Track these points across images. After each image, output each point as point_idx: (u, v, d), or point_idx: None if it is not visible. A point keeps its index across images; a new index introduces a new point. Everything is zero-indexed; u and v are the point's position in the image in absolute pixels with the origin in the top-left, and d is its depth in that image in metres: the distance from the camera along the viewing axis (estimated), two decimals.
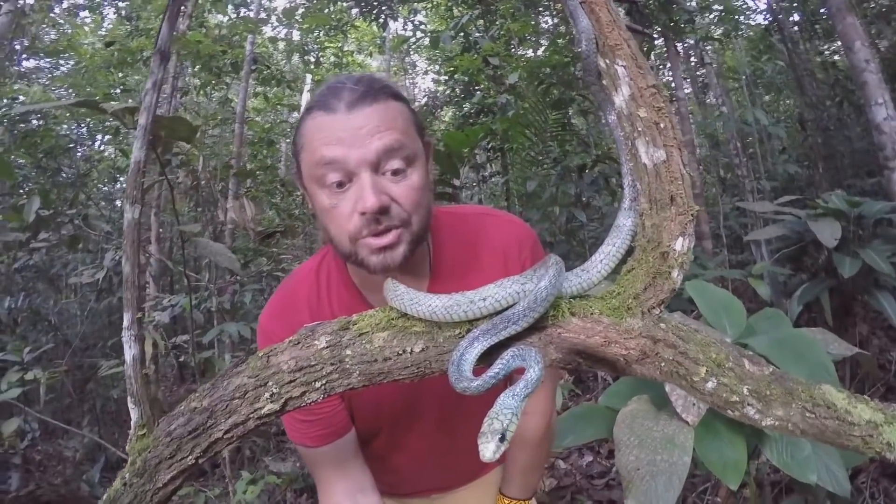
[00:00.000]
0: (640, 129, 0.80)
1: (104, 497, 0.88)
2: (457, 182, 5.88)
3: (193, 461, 0.86)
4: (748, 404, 0.76)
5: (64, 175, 7.30)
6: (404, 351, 0.84)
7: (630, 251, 0.85)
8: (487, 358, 0.79)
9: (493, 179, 8.20)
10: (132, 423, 0.97)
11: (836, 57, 7.39)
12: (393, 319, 0.87)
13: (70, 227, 3.71)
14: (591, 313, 0.80)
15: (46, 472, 5.06)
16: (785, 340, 1.70)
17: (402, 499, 1.56)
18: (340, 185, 1.00)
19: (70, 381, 5.22)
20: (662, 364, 0.78)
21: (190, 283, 3.28)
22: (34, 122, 6.58)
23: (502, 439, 0.68)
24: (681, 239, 0.78)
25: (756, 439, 1.60)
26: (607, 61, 0.83)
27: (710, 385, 0.77)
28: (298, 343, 0.88)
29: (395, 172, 1.01)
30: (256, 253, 5.06)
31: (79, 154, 8.98)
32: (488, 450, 0.68)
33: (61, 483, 4.31)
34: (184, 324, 4.47)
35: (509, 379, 0.85)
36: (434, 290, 1.17)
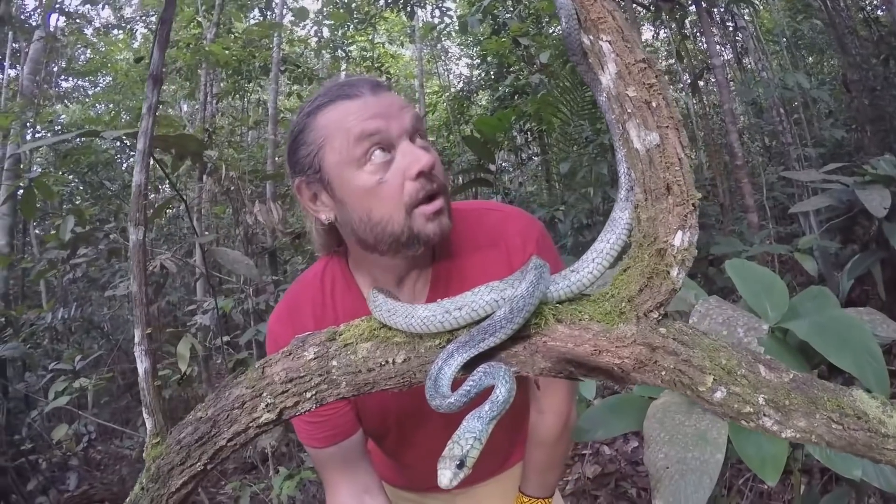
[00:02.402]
0: (629, 110, 0.72)
1: (126, 500, 0.94)
2: (492, 167, 5.81)
3: (202, 467, 0.90)
4: (764, 415, 0.68)
5: (107, 188, 7.54)
6: (387, 362, 0.82)
7: (628, 247, 0.77)
8: (472, 368, 0.74)
9: (531, 161, 8.10)
10: (147, 431, 1.01)
11: (880, 12, 6.94)
12: (375, 330, 0.84)
13: (107, 240, 3.83)
14: (580, 319, 0.73)
15: (106, 471, 5.27)
16: (828, 324, 1.58)
17: (422, 493, 1.57)
18: (383, 151, 1.00)
19: (124, 385, 5.42)
20: (663, 373, 0.70)
21: (216, 288, 3.32)
22: (77, 140, 6.83)
23: (461, 466, 0.64)
24: (680, 233, 0.70)
25: None
26: (591, 37, 0.74)
27: (718, 395, 0.69)
28: (290, 354, 0.89)
29: (424, 140, 1.06)
30: (295, 251, 5.13)
31: (123, 166, 9.27)
32: (445, 477, 0.64)
33: (117, 481, 4.48)
34: (228, 325, 4.58)
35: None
36: (437, 287, 1.18)
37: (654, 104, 0.71)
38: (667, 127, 0.71)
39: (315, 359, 0.85)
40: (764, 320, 1.78)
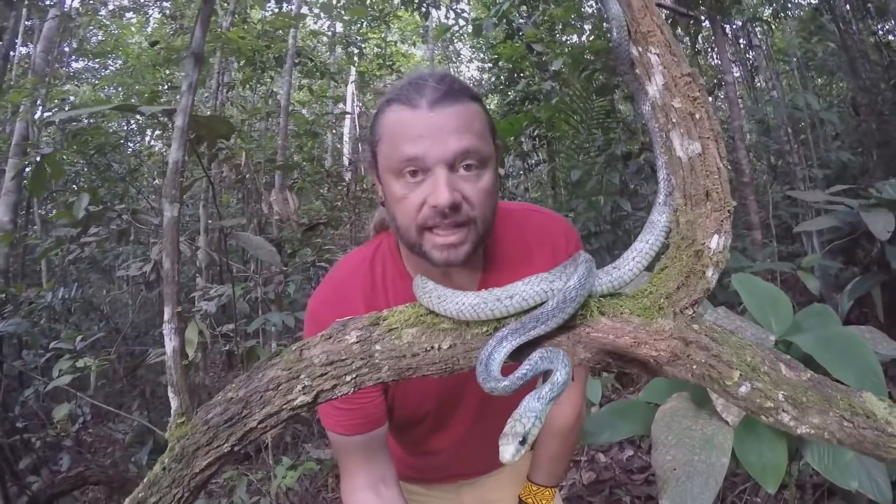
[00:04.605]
0: (674, 120, 0.77)
1: (145, 480, 0.92)
2: (501, 171, 5.85)
3: (229, 449, 0.90)
4: (783, 410, 0.73)
5: (114, 170, 7.55)
6: (432, 347, 0.84)
7: (665, 248, 0.82)
8: (517, 356, 0.78)
9: (538, 168, 8.14)
10: (172, 411, 1.01)
11: (891, 37, 7.00)
12: (422, 316, 0.87)
13: (119, 221, 3.83)
14: (622, 313, 0.77)
15: (97, 453, 5.28)
16: (831, 339, 1.63)
17: (429, 485, 1.59)
18: (414, 174, 1.03)
19: (121, 368, 5.43)
20: (694, 367, 0.75)
21: (233, 274, 3.35)
22: (84, 120, 6.82)
23: (523, 442, 0.68)
24: (716, 237, 0.75)
25: (797, 441, 1.55)
26: (640, 49, 0.79)
27: (743, 389, 0.74)
28: (330, 337, 0.90)
29: (468, 168, 1.04)
30: (302, 243, 5.15)
31: (129, 150, 9.29)
32: (508, 452, 0.68)
33: (110, 464, 4.48)
34: (231, 313, 4.60)
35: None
36: (488, 281, 1.22)
37: (697, 116, 0.75)
38: (708, 138, 0.76)
39: (358, 342, 0.87)
40: (770, 333, 1.83)
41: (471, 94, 1.09)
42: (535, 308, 0.78)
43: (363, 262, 1.26)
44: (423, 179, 1.02)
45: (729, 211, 0.75)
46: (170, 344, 1.37)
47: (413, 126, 1.02)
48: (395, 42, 12.31)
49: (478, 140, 1.04)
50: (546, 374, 0.75)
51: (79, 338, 4.22)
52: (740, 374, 0.74)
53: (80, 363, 3.65)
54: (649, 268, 0.84)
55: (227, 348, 4.98)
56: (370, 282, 1.23)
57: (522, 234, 1.26)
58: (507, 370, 0.76)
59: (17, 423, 4.21)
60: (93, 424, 5.31)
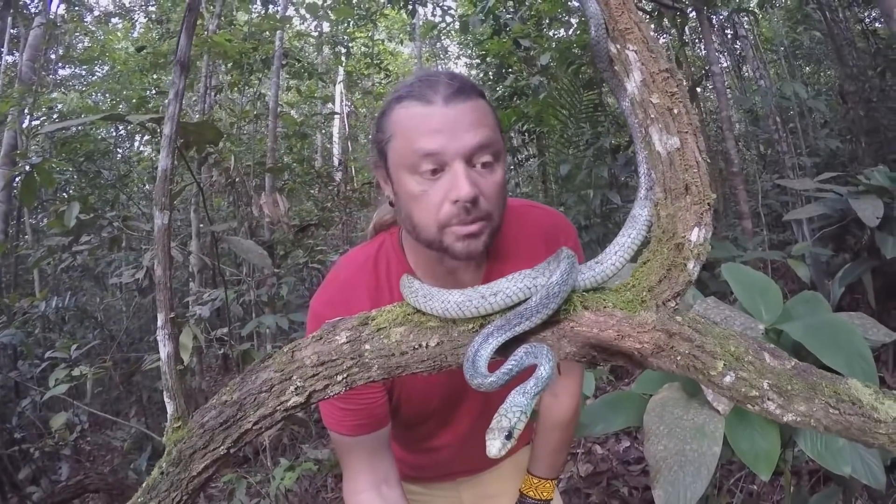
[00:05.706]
0: (652, 115, 0.78)
1: (144, 485, 0.93)
2: None
3: (225, 451, 0.91)
4: (768, 399, 0.74)
5: (104, 177, 7.52)
6: (420, 345, 0.85)
7: (647, 242, 0.83)
8: (503, 351, 0.79)
9: (528, 162, 8.16)
10: (168, 416, 1.02)
11: (878, 24, 7.04)
12: (409, 314, 0.88)
13: (110, 229, 3.82)
14: (605, 307, 0.79)
15: (96, 461, 5.27)
16: (820, 326, 1.64)
17: (429, 484, 1.59)
18: (434, 172, 1.02)
19: (117, 375, 5.42)
20: (678, 357, 0.76)
21: (225, 278, 3.35)
22: (72, 128, 6.79)
23: (509, 437, 0.69)
24: (696, 229, 0.76)
25: (790, 429, 1.56)
26: (618, 46, 0.80)
27: (727, 379, 0.75)
28: (321, 338, 0.91)
29: (485, 166, 1.05)
30: (294, 245, 5.15)
31: (118, 156, 9.25)
32: (494, 447, 0.69)
33: (109, 472, 4.48)
34: (225, 316, 4.60)
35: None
36: (492, 271, 1.23)
37: (675, 111, 0.77)
38: (686, 132, 0.77)
39: (348, 342, 0.88)
40: (759, 322, 1.84)
41: (479, 92, 1.10)
42: (519, 304, 0.79)
43: (367, 261, 1.25)
44: (439, 176, 1.02)
45: (709, 204, 0.76)
46: (164, 350, 1.37)
47: (429, 121, 1.02)
48: (383, 41, 12.29)
49: (492, 134, 1.06)
50: (531, 369, 0.76)
51: (74, 346, 4.21)
52: (724, 364, 0.75)
53: (75, 372, 3.64)
54: (633, 262, 0.85)
55: (222, 352, 4.98)
56: (375, 281, 1.23)
57: (525, 228, 1.27)
58: (494, 366, 0.77)
59: (15, 434, 4.20)
60: (91, 432, 5.30)
